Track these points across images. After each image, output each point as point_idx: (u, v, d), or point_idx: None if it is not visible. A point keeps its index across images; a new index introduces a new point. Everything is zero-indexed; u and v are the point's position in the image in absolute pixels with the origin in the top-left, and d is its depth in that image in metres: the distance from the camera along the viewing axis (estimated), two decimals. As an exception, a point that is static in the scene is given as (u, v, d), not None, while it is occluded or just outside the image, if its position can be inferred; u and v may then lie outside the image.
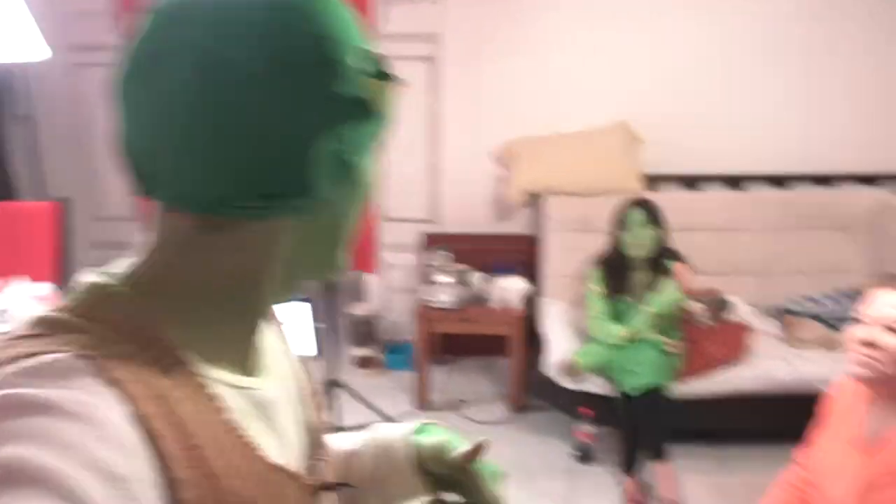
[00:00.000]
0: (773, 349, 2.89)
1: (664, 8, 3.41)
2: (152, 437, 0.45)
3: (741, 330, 2.86)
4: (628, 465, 2.63)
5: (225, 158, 0.47)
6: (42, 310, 0.49)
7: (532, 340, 3.24)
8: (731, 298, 3.10)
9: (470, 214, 3.73)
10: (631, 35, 3.46)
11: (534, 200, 3.57)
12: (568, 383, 2.83)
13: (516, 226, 3.70)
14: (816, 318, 3.03)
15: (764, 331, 2.99)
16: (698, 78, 3.46)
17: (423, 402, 3.28)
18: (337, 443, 0.79)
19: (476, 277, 3.36)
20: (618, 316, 2.80)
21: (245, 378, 0.57)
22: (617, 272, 2.80)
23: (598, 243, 3.28)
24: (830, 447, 1.60)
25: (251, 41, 0.46)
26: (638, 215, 2.74)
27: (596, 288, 2.81)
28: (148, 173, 0.50)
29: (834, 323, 2.98)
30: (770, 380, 2.72)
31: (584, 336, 2.97)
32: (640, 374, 2.57)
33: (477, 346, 3.65)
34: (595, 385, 2.80)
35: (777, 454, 2.76)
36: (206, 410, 0.51)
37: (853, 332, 1.50)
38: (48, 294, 2.56)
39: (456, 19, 3.54)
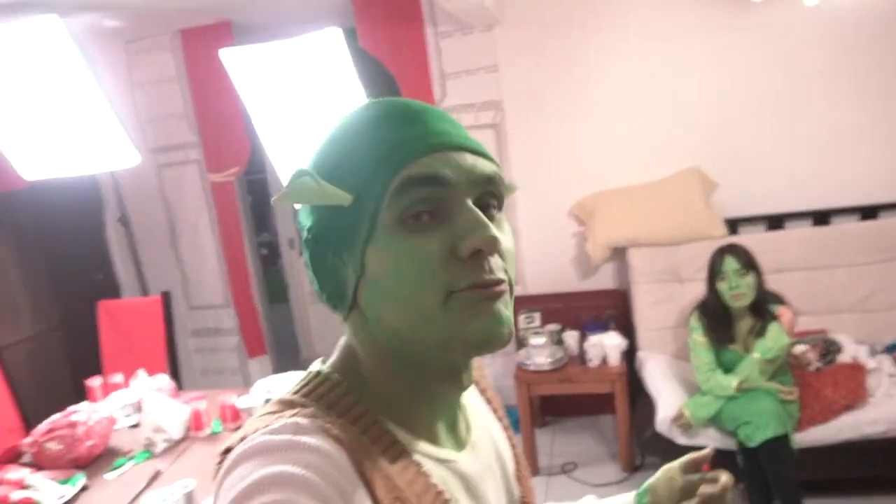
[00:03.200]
0: (893, 389, 2.78)
1: (725, 46, 3.41)
2: (365, 482, 0.55)
3: (856, 371, 2.77)
4: (760, 520, 2.54)
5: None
6: (278, 394, 0.64)
7: (635, 396, 3.21)
8: (839, 338, 3.02)
9: (553, 274, 3.75)
10: (692, 77, 3.48)
11: (617, 254, 3.58)
12: (681, 438, 2.77)
13: (602, 281, 3.70)
14: (930, 351, 2.91)
15: (878, 369, 2.88)
16: (767, 113, 3.44)
17: (533, 468, 3.25)
18: None
19: (569, 336, 3.36)
20: (725, 365, 2.75)
21: (444, 451, 0.65)
22: (720, 321, 2.75)
23: (688, 292, 3.27)
24: None
25: None
26: (731, 264, 2.68)
27: (700, 339, 2.77)
28: None
29: (952, 355, 2.86)
30: (896, 421, 2.61)
31: (691, 388, 2.92)
32: (760, 426, 2.50)
33: (577, 405, 3.63)
34: (710, 438, 2.74)
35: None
36: (409, 473, 0.59)
37: None
38: (167, 386, 2.67)
39: (513, 85, 3.64)
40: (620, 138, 3.59)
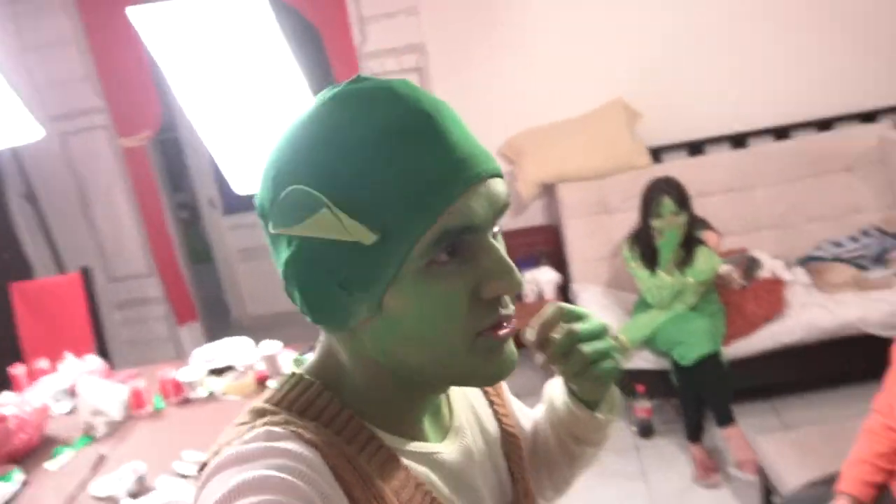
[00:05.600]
0: (808, 298, 2.97)
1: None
2: (340, 483, 0.54)
3: (776, 285, 2.93)
4: (695, 433, 2.70)
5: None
6: (253, 402, 0.61)
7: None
8: (757, 254, 3.18)
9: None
10: (611, 10, 3.48)
11: (546, 190, 3.62)
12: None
13: (533, 218, 3.74)
14: (841, 260, 3.10)
15: (794, 281, 3.06)
16: (684, 42, 3.48)
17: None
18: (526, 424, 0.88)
19: (505, 276, 3.40)
20: (657, 290, 2.85)
21: (426, 444, 0.64)
22: (652, 250, 2.83)
23: (617, 222, 3.35)
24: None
25: None
26: (669, 206, 2.70)
27: (636, 264, 2.85)
28: None
29: (860, 263, 3.06)
30: (812, 328, 2.79)
31: (626, 316, 3.03)
32: (693, 344, 2.63)
33: (516, 340, 3.70)
34: (645, 360, 2.86)
35: (832, 399, 2.87)
36: (388, 469, 0.59)
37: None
38: (98, 367, 2.57)
39: (435, 27, 3.56)
40: (545, 74, 3.57)
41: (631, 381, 2.89)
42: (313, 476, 0.51)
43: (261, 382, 2.27)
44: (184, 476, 1.79)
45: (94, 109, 3.72)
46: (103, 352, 3.02)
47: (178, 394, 2.27)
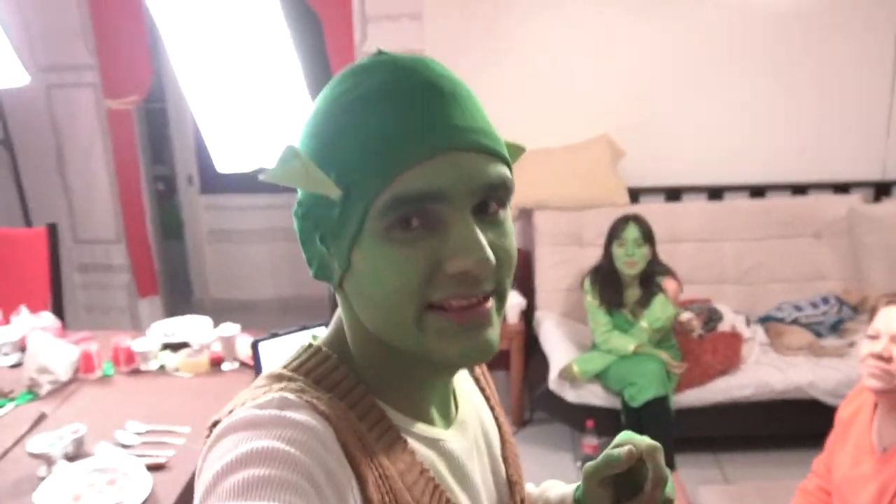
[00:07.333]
0: (763, 357, 3.04)
1: (640, 20, 3.51)
2: (350, 459, 0.54)
3: (734, 339, 2.99)
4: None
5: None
6: (271, 368, 0.62)
7: (530, 354, 3.32)
8: (720, 307, 3.24)
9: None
10: (608, 47, 3.56)
11: (523, 215, 3.65)
12: (570, 396, 2.91)
13: (507, 241, 3.77)
14: (799, 324, 3.18)
15: (752, 339, 3.13)
16: (675, 91, 3.59)
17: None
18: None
19: (472, 293, 3.41)
20: (616, 329, 2.89)
21: (433, 429, 0.64)
22: (611, 286, 2.89)
23: (588, 256, 3.39)
24: (845, 457, 1.72)
25: None
26: (633, 232, 2.81)
27: (594, 301, 2.90)
28: None
29: (817, 329, 3.14)
30: (764, 387, 2.86)
31: (585, 349, 3.07)
32: (644, 387, 2.67)
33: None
34: (596, 396, 2.89)
35: (774, 458, 2.93)
36: (395, 451, 0.59)
37: (865, 347, 1.62)
38: (52, 324, 2.52)
39: (436, 35, 3.59)
40: (537, 100, 3.63)
41: (579, 415, 2.91)
42: (321, 451, 0.52)
43: (215, 363, 2.25)
44: (124, 446, 1.77)
45: (84, 66, 3.67)
46: (59, 312, 2.95)
47: (130, 363, 2.24)
